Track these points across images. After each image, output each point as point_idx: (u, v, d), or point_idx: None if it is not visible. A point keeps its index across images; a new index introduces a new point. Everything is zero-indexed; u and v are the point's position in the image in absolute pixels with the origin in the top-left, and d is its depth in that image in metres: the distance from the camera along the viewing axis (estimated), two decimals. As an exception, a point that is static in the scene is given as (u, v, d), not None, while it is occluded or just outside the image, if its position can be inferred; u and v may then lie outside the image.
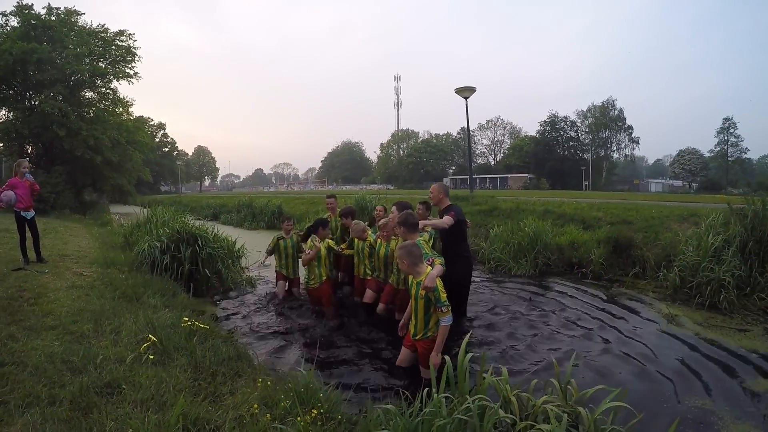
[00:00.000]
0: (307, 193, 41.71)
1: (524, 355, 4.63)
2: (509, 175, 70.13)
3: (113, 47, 25.00)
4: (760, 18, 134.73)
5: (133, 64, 25.71)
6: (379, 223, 5.82)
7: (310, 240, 5.99)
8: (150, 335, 3.57)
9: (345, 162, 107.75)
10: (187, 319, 4.12)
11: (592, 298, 6.81)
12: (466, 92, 16.33)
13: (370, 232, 5.91)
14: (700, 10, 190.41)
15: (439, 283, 3.81)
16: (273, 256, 7.06)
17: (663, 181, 67.74)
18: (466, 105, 16.83)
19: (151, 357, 3.24)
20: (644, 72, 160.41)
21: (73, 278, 5.87)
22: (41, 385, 2.60)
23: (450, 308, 3.79)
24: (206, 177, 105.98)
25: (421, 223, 5.10)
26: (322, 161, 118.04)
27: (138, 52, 25.82)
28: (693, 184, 60.71)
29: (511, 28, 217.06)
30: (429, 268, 4.01)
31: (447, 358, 3.14)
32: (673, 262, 7.13)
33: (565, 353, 4.59)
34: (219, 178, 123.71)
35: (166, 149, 78.86)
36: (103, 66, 24.57)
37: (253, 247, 10.77)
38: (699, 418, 3.45)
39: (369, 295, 5.88)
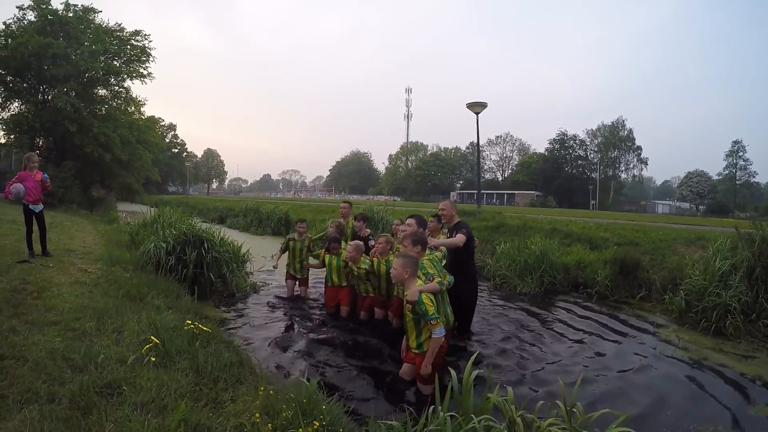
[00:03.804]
0: (314, 201, 41.84)
1: (529, 374, 4.58)
2: (516, 192, 70.11)
3: (128, 47, 25.28)
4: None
5: (147, 65, 26.01)
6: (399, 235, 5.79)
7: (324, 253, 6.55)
8: (152, 337, 3.56)
9: (353, 172, 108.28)
10: (190, 322, 4.12)
11: (598, 317, 6.76)
12: (477, 108, 16.38)
13: (364, 258, 5.88)
14: (711, 30, 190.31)
15: (426, 297, 3.81)
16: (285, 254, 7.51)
17: (670, 202, 67.45)
18: (477, 121, 16.87)
19: (153, 359, 3.23)
20: (653, 90, 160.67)
21: (77, 274, 5.89)
22: (41, 382, 2.59)
23: (439, 320, 3.80)
24: (214, 180, 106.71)
25: (435, 242, 5.11)
26: (330, 170, 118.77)
27: (152, 52, 26.17)
28: (700, 206, 60.37)
29: (523, 44, 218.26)
30: (420, 282, 4.03)
31: (453, 373, 3.11)
32: (680, 285, 7.07)
33: (569, 373, 4.55)
34: (227, 182, 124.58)
35: (176, 150, 79.60)
36: (118, 65, 24.84)
37: (259, 252, 10.82)
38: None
39: (378, 312, 5.98)
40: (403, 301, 4.12)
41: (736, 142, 62.25)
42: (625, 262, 8.29)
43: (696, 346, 5.56)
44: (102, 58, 23.90)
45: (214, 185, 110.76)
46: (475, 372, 3.11)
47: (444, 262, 5.35)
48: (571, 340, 5.73)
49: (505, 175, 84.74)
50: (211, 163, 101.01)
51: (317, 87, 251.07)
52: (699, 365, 5.00)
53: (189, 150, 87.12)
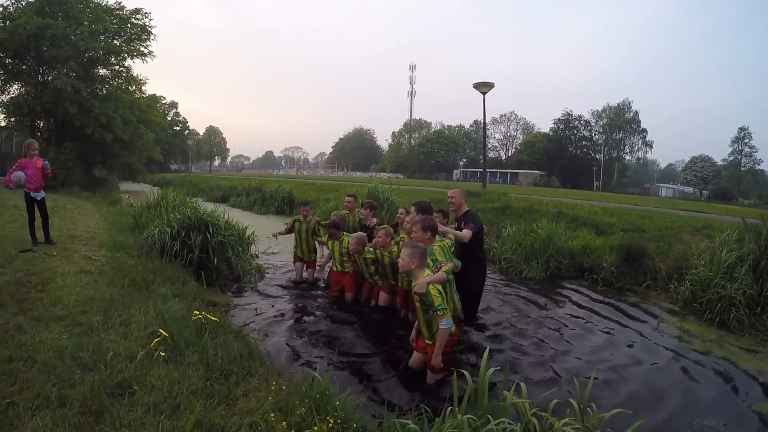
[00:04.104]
0: (317, 179, 41.68)
1: (538, 365, 4.59)
2: (520, 171, 69.75)
3: (128, 25, 24.89)
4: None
5: (148, 43, 25.66)
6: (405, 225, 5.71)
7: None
8: (160, 329, 3.56)
9: (356, 149, 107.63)
10: (197, 312, 4.11)
11: (603, 307, 6.75)
12: (484, 88, 16.11)
13: (368, 248, 5.87)
14: (722, 15, 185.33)
15: (433, 288, 3.80)
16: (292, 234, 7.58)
17: (674, 186, 67.08)
18: (484, 101, 16.61)
19: (162, 354, 3.23)
20: (660, 74, 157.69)
21: (81, 262, 5.86)
22: (51, 385, 2.57)
23: (446, 311, 3.80)
24: (216, 157, 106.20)
25: (443, 229, 5.07)
26: (332, 147, 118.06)
27: (153, 30, 25.76)
28: (704, 191, 60.09)
29: (529, 22, 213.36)
30: (427, 272, 4.01)
31: (469, 376, 3.10)
32: (685, 275, 7.05)
33: (574, 363, 4.62)
34: (229, 159, 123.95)
35: (178, 128, 78.89)
36: (118, 44, 24.52)
37: (263, 233, 10.80)
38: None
39: (383, 298, 5.92)
40: (411, 292, 4.12)
41: (742, 129, 61.96)
42: (631, 249, 8.25)
43: (700, 339, 5.57)
44: (102, 38, 23.58)
45: (216, 163, 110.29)
46: (491, 370, 3.10)
47: (453, 249, 5.33)
48: (579, 328, 5.75)
49: (509, 154, 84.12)
50: (213, 141, 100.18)
51: (321, 64, 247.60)
52: (703, 359, 5.00)
53: (191, 128, 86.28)
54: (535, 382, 4.16)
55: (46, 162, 7.03)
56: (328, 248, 6.70)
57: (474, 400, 3.04)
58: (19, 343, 3.08)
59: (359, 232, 6.13)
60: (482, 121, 18.71)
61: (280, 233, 7.67)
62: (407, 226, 5.40)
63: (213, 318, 4.21)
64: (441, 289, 3.86)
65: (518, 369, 4.43)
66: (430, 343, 3.98)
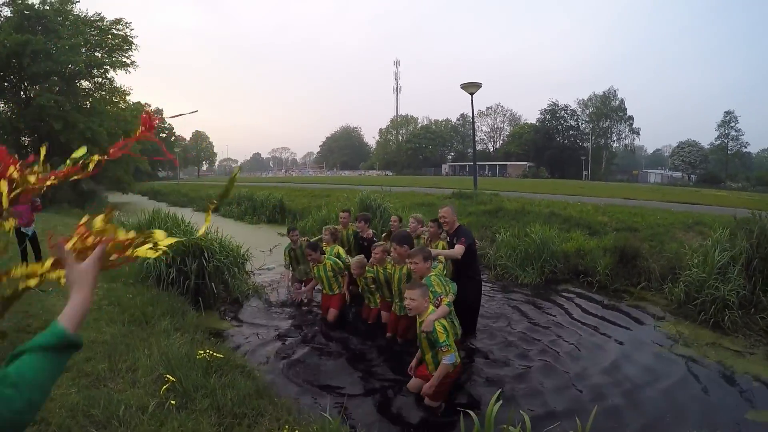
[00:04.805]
0: (306, 180, 41.58)
1: (537, 384, 4.63)
2: (508, 163, 70.14)
3: (109, 36, 24.69)
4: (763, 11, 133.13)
5: (130, 53, 25.46)
6: (377, 252, 5.76)
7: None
8: (168, 375, 3.57)
9: (343, 147, 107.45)
10: (202, 351, 4.12)
11: (600, 311, 6.87)
12: (471, 88, 16.15)
13: (367, 269, 5.93)
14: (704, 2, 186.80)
15: (438, 324, 3.90)
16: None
17: (662, 172, 67.78)
18: (472, 101, 16.65)
19: (173, 402, 3.24)
20: (645, 59, 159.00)
21: None
22: None
23: (451, 347, 3.89)
24: (204, 162, 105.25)
25: (434, 252, 5.12)
26: (320, 146, 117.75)
27: (135, 41, 25.53)
28: (692, 176, 60.80)
29: (511, 13, 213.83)
30: (431, 309, 4.07)
31: (476, 418, 3.14)
32: (679, 275, 7.18)
33: (573, 378, 4.67)
34: (217, 163, 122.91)
35: (164, 135, 78.03)
36: (100, 56, 24.32)
37: (256, 245, 10.78)
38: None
39: (385, 316, 5.99)
40: (416, 327, 4.17)
41: (728, 113, 62.64)
42: (625, 250, 8.38)
43: (696, 342, 5.67)
44: (83, 51, 23.34)
45: (204, 167, 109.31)
46: (497, 406, 3.14)
47: (445, 272, 5.40)
48: (573, 340, 5.78)
49: (497, 146, 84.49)
50: (201, 146, 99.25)
51: (305, 63, 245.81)
52: (699, 363, 5.11)
53: (177, 134, 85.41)
54: (537, 404, 4.20)
55: (36, 198, 6.94)
56: (313, 274, 6.58)
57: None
58: (29, 404, 3.04)
59: (358, 256, 6.16)
60: (468, 114, 18.79)
61: (292, 273, 7.70)
62: (394, 255, 5.48)
63: (217, 355, 4.23)
64: (446, 325, 3.94)
65: (517, 394, 4.43)
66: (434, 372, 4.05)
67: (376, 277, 5.83)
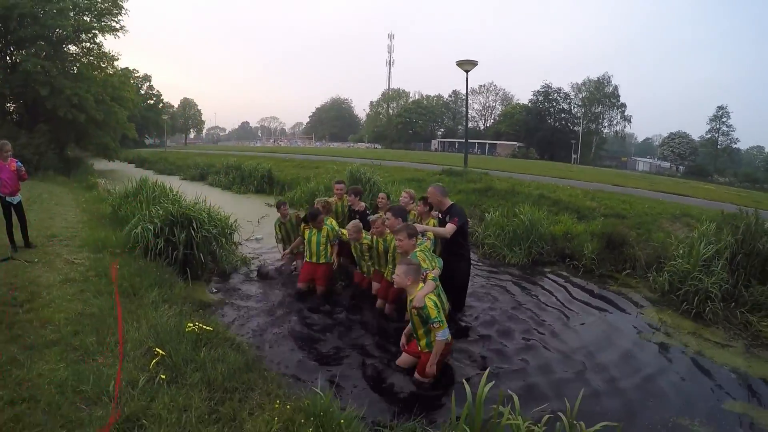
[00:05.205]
0: (295, 151, 41.03)
1: (522, 364, 4.72)
2: (498, 142, 70.00)
3: (99, 0, 23.64)
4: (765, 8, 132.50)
5: (120, 18, 24.53)
6: (375, 222, 5.77)
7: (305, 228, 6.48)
8: (157, 349, 3.53)
9: (333, 118, 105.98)
10: (191, 324, 4.08)
11: (584, 296, 7.00)
12: (467, 66, 15.92)
13: (364, 235, 5.95)
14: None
15: (429, 300, 3.94)
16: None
17: (651, 160, 68.33)
18: (467, 79, 16.48)
19: (163, 377, 3.22)
20: (644, 48, 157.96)
21: (65, 268, 5.66)
22: (59, 427, 2.52)
23: (443, 323, 3.94)
24: (192, 130, 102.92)
25: (422, 228, 5.11)
26: (309, 116, 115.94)
27: (125, 4, 24.56)
28: (680, 167, 61.42)
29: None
30: (421, 285, 4.09)
31: (468, 389, 3.18)
32: (664, 265, 7.30)
33: (556, 360, 4.80)
34: (204, 131, 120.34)
35: (152, 101, 75.67)
36: (88, 20, 23.32)
37: (244, 216, 10.66)
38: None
39: (375, 287, 6.05)
40: (408, 304, 4.18)
41: (720, 107, 63.01)
42: (612, 237, 8.49)
43: (677, 332, 5.82)
44: (71, 15, 22.31)
45: (192, 135, 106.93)
46: (488, 387, 3.19)
47: (433, 248, 5.42)
48: (559, 323, 5.91)
49: (488, 125, 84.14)
50: (188, 113, 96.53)
51: (297, 32, 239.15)
52: (680, 353, 5.26)
53: (165, 100, 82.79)
54: (522, 386, 4.25)
55: (20, 164, 6.70)
56: (303, 237, 6.52)
57: (470, 415, 3.15)
58: (17, 379, 2.99)
59: (354, 221, 6.11)
60: (460, 91, 18.62)
61: (284, 247, 7.54)
62: (379, 225, 5.56)
63: (207, 328, 4.20)
64: (436, 301, 3.96)
65: (501, 372, 4.51)
66: (427, 351, 4.09)
67: (374, 247, 5.86)
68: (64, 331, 3.76)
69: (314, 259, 6.33)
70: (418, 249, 4.67)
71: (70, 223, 8.64)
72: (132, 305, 4.61)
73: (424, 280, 4.22)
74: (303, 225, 6.57)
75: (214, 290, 6.52)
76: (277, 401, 3.16)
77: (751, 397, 4.44)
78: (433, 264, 4.68)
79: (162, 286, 5.39)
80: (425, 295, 3.95)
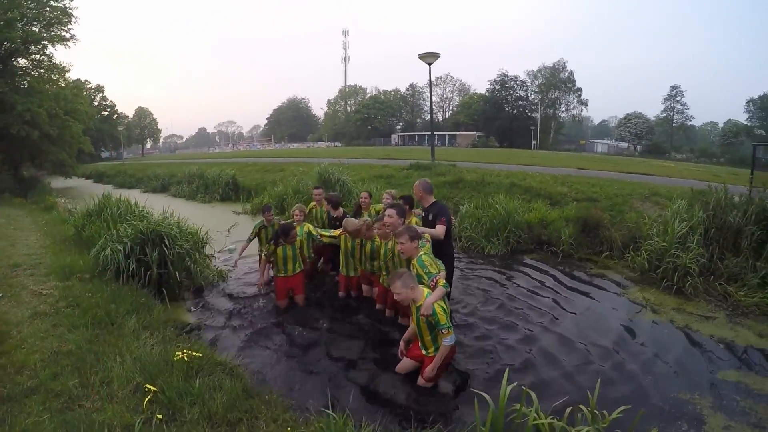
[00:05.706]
0: (256, 155, 40.09)
1: (531, 361, 4.66)
2: (458, 133, 70.74)
3: (47, 9, 22.29)
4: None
5: (70, 27, 23.24)
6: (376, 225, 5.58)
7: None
8: (147, 385, 3.25)
9: (291, 119, 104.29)
10: (179, 353, 3.80)
11: (567, 280, 7.11)
12: (429, 58, 15.87)
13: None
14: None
15: (438, 306, 3.82)
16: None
17: (608, 142, 70.56)
18: (429, 71, 16.47)
19: (159, 416, 2.95)
20: (595, 32, 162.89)
21: (33, 301, 5.17)
22: None
23: (450, 329, 3.84)
24: (148, 140, 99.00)
25: (420, 230, 4.97)
26: (267, 118, 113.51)
27: (74, 12, 23.24)
28: (638, 146, 63.77)
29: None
30: (427, 291, 3.96)
31: (489, 399, 3.09)
32: (640, 245, 7.50)
33: (551, 347, 4.81)
34: (161, 140, 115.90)
35: (106, 113, 72.13)
36: (37, 30, 21.95)
37: (214, 226, 10.22)
38: (678, 409, 3.84)
39: (366, 290, 5.96)
40: (412, 310, 4.04)
41: (674, 87, 65.68)
42: (587, 220, 8.65)
43: (662, 307, 5.99)
44: (20, 26, 20.86)
45: (149, 145, 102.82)
46: (510, 388, 3.12)
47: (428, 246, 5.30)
48: (552, 310, 5.95)
49: (446, 116, 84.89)
50: (144, 122, 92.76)
51: (250, 35, 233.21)
52: (668, 329, 5.42)
53: (119, 111, 79.19)
54: (535, 381, 4.20)
55: None
56: (266, 252, 6.08)
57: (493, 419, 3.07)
58: (2, 438, 2.67)
59: (348, 218, 5.92)
60: (417, 84, 18.61)
61: (243, 247, 6.90)
62: (380, 227, 5.32)
63: (196, 354, 3.93)
64: (444, 306, 3.85)
65: (516, 370, 4.43)
66: (430, 355, 3.98)
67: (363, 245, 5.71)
68: (43, 376, 3.39)
69: (289, 273, 5.95)
70: (422, 252, 4.46)
71: (33, 249, 7.99)
72: (111, 337, 4.25)
73: (434, 287, 4.05)
74: (270, 245, 5.96)
75: (192, 309, 6.19)
76: (288, 428, 2.98)
77: (742, 365, 4.60)
78: (439, 267, 4.55)
79: (140, 312, 5.02)
80: (434, 302, 3.81)
